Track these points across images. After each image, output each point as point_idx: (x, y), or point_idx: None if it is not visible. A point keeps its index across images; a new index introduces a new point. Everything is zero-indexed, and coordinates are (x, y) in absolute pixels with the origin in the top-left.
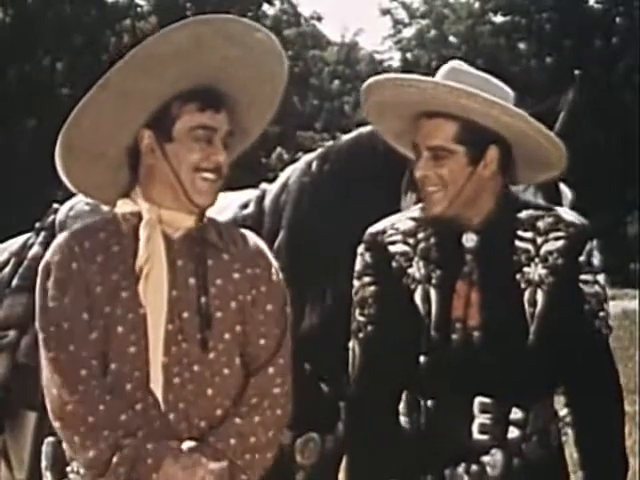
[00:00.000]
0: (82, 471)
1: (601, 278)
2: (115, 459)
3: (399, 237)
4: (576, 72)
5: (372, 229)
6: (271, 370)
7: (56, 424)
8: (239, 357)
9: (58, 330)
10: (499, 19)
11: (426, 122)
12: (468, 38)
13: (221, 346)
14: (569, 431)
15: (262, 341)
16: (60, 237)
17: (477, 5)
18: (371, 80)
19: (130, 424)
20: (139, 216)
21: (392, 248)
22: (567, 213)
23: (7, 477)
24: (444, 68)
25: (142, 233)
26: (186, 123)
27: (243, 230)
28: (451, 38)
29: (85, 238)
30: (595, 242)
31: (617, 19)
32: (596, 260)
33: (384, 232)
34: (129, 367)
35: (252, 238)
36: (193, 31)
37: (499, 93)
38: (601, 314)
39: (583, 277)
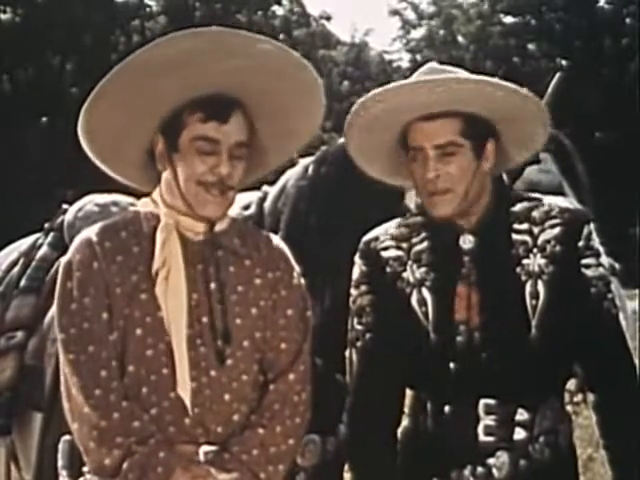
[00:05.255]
0: None
1: (604, 260)
2: (125, 465)
3: (392, 242)
4: (563, 62)
5: (366, 237)
6: (291, 377)
7: (73, 426)
8: (258, 363)
9: (78, 331)
10: (509, 20)
11: (425, 124)
12: (478, 39)
13: (240, 353)
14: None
15: (283, 345)
16: (81, 236)
17: (487, 6)
18: (370, 94)
19: (143, 431)
20: (159, 218)
21: (385, 254)
22: (560, 200)
23: (16, 477)
24: (423, 69)
25: (158, 237)
26: (189, 134)
27: (266, 233)
28: (461, 39)
29: (106, 238)
30: (592, 225)
31: (627, 19)
32: (596, 243)
33: (377, 239)
34: (145, 370)
35: (275, 241)
36: (186, 43)
37: None
38: (609, 295)
39: (585, 261)
